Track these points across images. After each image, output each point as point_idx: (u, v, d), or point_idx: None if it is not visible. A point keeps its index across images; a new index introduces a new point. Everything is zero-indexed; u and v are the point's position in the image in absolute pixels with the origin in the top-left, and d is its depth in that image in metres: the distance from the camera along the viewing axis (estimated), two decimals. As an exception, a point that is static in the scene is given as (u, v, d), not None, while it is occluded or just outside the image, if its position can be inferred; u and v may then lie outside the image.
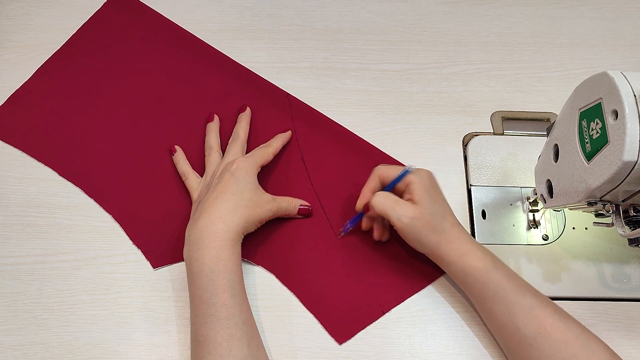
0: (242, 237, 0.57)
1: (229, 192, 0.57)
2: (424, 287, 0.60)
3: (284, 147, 0.67)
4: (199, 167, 0.65)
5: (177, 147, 0.65)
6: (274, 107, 0.69)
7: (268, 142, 0.65)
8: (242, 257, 0.57)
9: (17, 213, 0.63)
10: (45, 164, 0.66)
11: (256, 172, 0.60)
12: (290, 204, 0.62)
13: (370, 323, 0.59)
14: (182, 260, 0.61)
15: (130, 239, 0.62)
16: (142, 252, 0.62)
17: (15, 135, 0.68)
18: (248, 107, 0.67)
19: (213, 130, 0.66)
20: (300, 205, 0.62)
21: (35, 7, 0.76)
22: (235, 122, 0.67)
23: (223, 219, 0.55)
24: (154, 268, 0.61)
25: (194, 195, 0.62)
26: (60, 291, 0.60)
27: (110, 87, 0.71)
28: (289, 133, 0.67)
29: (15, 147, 0.67)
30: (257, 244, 0.61)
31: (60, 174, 0.66)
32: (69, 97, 0.70)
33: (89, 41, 0.74)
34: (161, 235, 0.63)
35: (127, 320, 0.58)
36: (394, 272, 0.61)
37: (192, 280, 0.53)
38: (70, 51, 0.73)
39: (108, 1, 0.76)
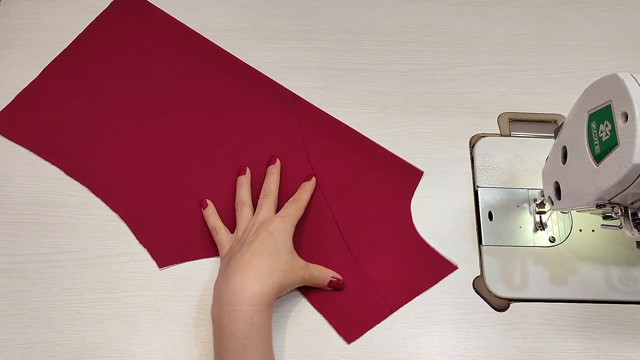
0: (274, 300, 0.54)
1: (266, 253, 0.55)
2: (431, 286, 0.60)
3: (290, 150, 0.67)
4: (199, 171, 0.65)
5: (208, 201, 0.64)
6: (280, 108, 0.69)
7: (297, 196, 0.62)
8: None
9: (24, 211, 0.63)
10: (52, 163, 0.66)
11: (292, 234, 0.58)
12: (322, 274, 0.59)
13: (379, 322, 0.59)
14: (188, 260, 0.61)
15: (137, 238, 0.62)
16: (149, 251, 0.62)
17: (22, 134, 0.68)
18: (278, 160, 0.65)
19: (245, 184, 0.64)
20: (332, 277, 0.59)
21: (42, 5, 0.76)
22: (240, 126, 0.67)
23: (259, 280, 0.52)
24: (160, 268, 0.61)
25: (224, 250, 0.59)
26: (66, 290, 0.60)
27: (117, 87, 0.71)
28: (313, 180, 0.65)
29: (22, 145, 0.67)
30: None
31: (66, 173, 0.66)
32: (76, 96, 0.70)
33: (96, 40, 0.74)
34: (167, 235, 0.63)
35: (133, 319, 0.59)
36: (401, 270, 0.61)
37: (222, 342, 0.51)
38: (77, 50, 0.73)
39: (115, 0, 0.76)
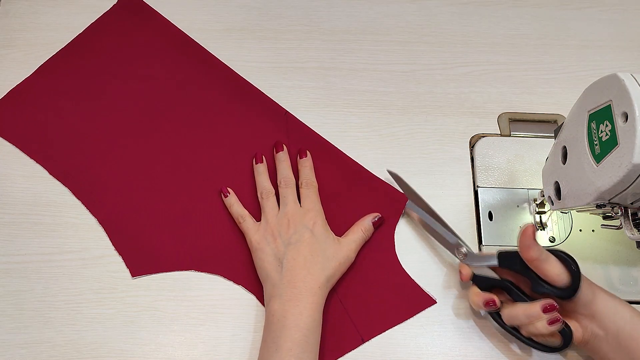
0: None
1: (315, 254, 0.57)
2: (408, 318, 0.59)
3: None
4: (189, 176, 0.66)
5: (229, 189, 0.64)
6: (271, 124, 0.68)
7: (307, 180, 0.63)
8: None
9: (24, 211, 0.63)
10: (37, 162, 0.66)
11: (325, 220, 0.61)
12: (363, 232, 0.61)
13: (350, 351, 0.58)
14: (162, 271, 0.61)
15: (113, 244, 0.62)
16: (123, 259, 0.61)
17: (10, 130, 0.67)
18: (284, 145, 0.65)
19: (264, 172, 0.64)
20: (372, 221, 0.62)
21: (42, 5, 0.76)
22: (229, 139, 0.67)
23: (320, 286, 0.56)
24: (133, 277, 0.60)
25: (252, 238, 0.60)
26: (66, 289, 0.60)
27: (109, 90, 0.70)
28: (309, 155, 0.65)
29: (9, 141, 0.67)
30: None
31: (50, 173, 0.65)
32: (67, 96, 0.69)
33: (94, 42, 0.73)
34: (144, 245, 0.62)
35: (133, 319, 0.59)
36: (378, 300, 0.60)
37: (285, 333, 0.53)
38: (74, 50, 0.73)
39: (117, 4, 0.75)
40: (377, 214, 0.62)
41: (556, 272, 0.52)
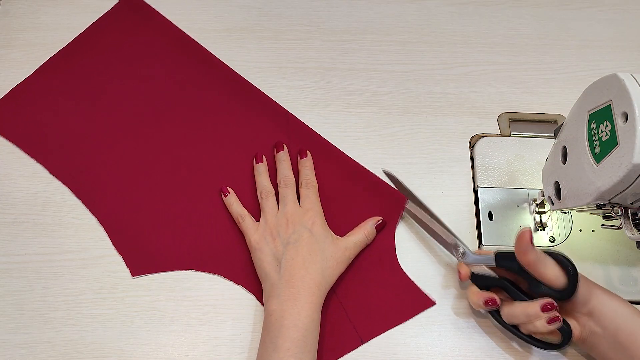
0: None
1: (314, 254, 0.57)
2: (407, 320, 0.59)
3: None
4: (190, 177, 0.66)
5: (229, 188, 0.64)
6: (271, 123, 0.68)
7: (307, 180, 0.63)
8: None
9: (24, 211, 0.63)
10: (37, 161, 0.66)
11: (324, 220, 0.61)
12: (365, 236, 0.61)
13: (348, 352, 0.58)
14: (162, 271, 0.61)
15: (113, 244, 0.62)
16: (123, 259, 0.61)
17: (10, 129, 0.67)
18: (285, 145, 0.65)
19: (264, 172, 0.64)
20: (375, 225, 0.62)
21: (42, 5, 0.76)
22: (229, 138, 0.67)
23: (318, 285, 0.56)
24: (133, 276, 0.60)
25: (252, 238, 0.60)
26: (66, 290, 0.60)
27: (110, 90, 0.70)
28: (309, 155, 0.65)
29: (10, 141, 0.67)
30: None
31: (50, 172, 0.65)
32: (68, 96, 0.70)
33: (95, 41, 0.73)
34: (144, 244, 0.62)
35: (133, 320, 0.59)
36: (378, 301, 0.60)
37: (283, 332, 0.52)
38: (74, 50, 0.73)
39: (117, 4, 0.75)
40: (380, 218, 0.62)
41: (554, 275, 0.52)
